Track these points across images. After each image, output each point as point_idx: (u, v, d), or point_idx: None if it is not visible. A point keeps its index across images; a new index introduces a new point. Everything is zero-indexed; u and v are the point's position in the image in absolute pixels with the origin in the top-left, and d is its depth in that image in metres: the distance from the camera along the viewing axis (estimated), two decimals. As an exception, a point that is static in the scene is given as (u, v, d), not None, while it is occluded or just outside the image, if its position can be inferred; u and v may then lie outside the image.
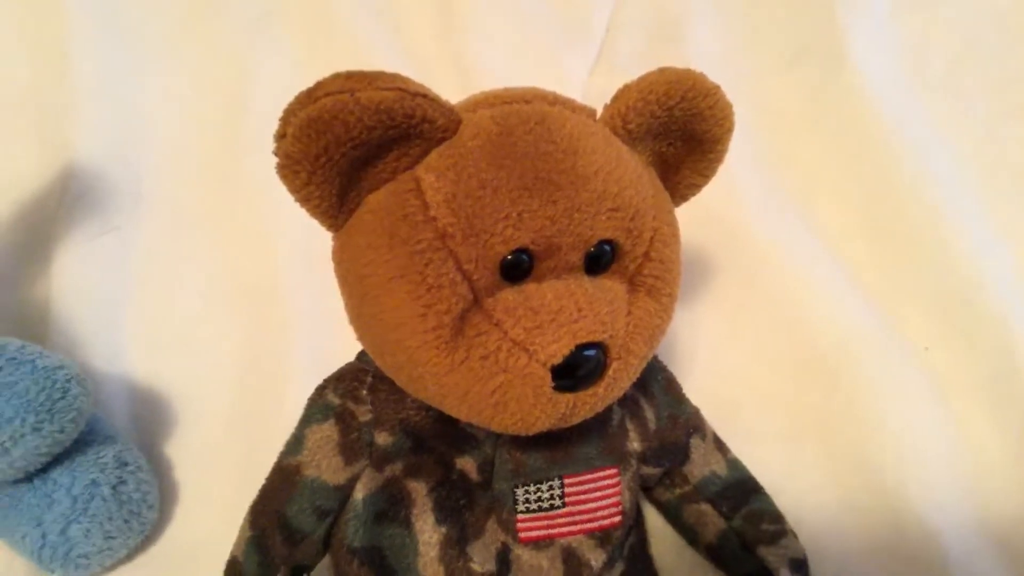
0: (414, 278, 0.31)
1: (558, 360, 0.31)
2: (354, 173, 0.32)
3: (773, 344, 0.56)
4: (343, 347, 0.41)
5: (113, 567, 0.49)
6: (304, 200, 0.32)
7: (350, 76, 0.30)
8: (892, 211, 0.59)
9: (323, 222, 0.34)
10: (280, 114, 0.31)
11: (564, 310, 0.32)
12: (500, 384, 0.32)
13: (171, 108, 0.65)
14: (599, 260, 0.34)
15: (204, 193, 0.62)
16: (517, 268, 0.32)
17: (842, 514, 0.50)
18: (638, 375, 0.36)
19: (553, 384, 0.32)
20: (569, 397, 0.33)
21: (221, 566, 0.41)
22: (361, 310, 0.34)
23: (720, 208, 0.57)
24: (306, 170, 0.31)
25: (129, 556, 0.49)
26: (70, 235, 0.59)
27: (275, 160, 0.31)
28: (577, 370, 0.32)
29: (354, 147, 0.31)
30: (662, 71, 0.35)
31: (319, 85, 0.30)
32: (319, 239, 0.40)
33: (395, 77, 0.30)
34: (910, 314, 0.56)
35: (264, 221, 0.60)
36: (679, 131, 0.37)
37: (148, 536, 0.50)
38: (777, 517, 0.45)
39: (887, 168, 0.60)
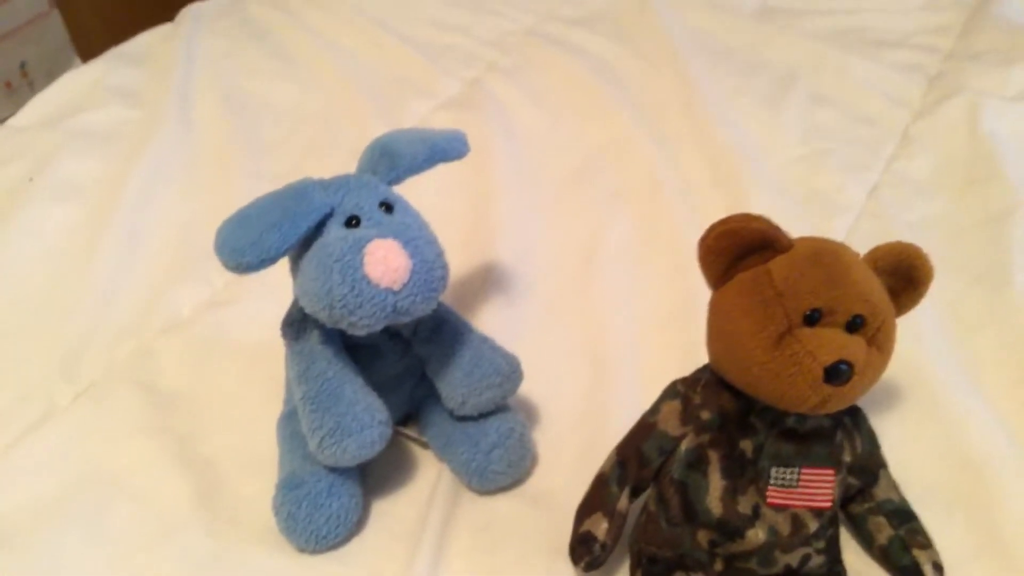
0: (759, 312, 0.52)
1: (828, 364, 0.49)
2: (735, 261, 0.53)
3: (935, 445, 0.71)
4: (651, 392, 0.61)
5: (500, 490, 0.68)
6: (707, 271, 0.55)
7: (745, 215, 0.53)
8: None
9: (710, 283, 0.56)
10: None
11: (835, 341, 0.50)
12: (795, 372, 0.50)
13: (552, 243, 0.97)
14: (854, 324, 0.51)
15: (569, 296, 0.90)
16: (812, 318, 0.51)
17: (976, 569, 0.62)
18: (864, 394, 0.53)
19: (822, 378, 0.50)
20: (829, 389, 0.50)
21: (566, 509, 0.60)
22: (724, 331, 0.54)
23: (912, 353, 0.76)
24: (715, 255, 0.54)
25: (510, 487, 0.69)
26: (491, 303, 0.90)
27: (696, 259, 0.55)
28: (837, 373, 0.49)
29: (739, 248, 0.53)
30: (898, 241, 0.56)
31: (730, 217, 0.53)
32: (640, 329, 0.72)
33: (766, 219, 0.53)
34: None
35: (603, 317, 0.88)
36: (902, 274, 0.56)
37: (519, 479, 0.69)
38: (928, 536, 0.61)
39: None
